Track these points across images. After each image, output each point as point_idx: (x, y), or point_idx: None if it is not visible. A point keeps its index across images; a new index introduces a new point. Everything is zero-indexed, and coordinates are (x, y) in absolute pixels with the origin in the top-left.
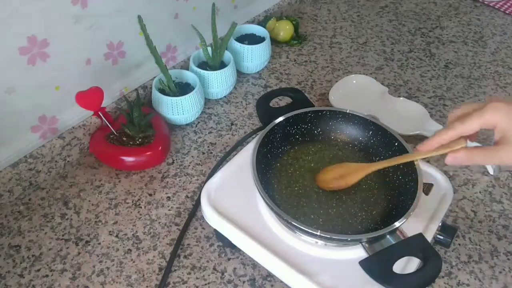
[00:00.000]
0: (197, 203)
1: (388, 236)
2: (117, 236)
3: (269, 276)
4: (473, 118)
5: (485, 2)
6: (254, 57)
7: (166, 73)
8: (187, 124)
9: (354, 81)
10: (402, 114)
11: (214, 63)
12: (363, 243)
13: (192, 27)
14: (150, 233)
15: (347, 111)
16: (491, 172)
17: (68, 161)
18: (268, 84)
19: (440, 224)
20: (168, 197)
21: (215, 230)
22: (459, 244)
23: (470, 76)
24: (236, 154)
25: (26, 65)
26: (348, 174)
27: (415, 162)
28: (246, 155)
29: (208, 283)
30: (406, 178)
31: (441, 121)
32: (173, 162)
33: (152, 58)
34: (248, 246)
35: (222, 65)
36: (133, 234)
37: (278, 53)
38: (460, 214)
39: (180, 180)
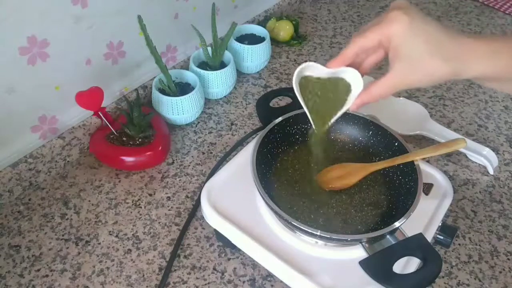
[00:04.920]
0: (197, 203)
1: (388, 236)
2: (117, 236)
3: (269, 276)
4: (371, 30)
5: (485, 2)
6: (254, 57)
7: (166, 73)
8: (187, 124)
9: None
10: (402, 114)
11: (214, 63)
12: (363, 243)
13: (192, 27)
14: (150, 233)
15: (347, 111)
16: (491, 172)
17: (68, 161)
18: (268, 84)
19: (440, 224)
20: (168, 197)
21: (215, 230)
22: (459, 244)
23: None
24: (236, 154)
25: (26, 65)
26: (348, 174)
27: (415, 162)
28: (246, 155)
29: (208, 283)
30: (406, 178)
31: (441, 121)
32: (173, 162)
33: (152, 58)
34: (248, 246)
35: (222, 65)
36: (133, 234)
37: (278, 53)
38: (460, 214)
39: (180, 180)
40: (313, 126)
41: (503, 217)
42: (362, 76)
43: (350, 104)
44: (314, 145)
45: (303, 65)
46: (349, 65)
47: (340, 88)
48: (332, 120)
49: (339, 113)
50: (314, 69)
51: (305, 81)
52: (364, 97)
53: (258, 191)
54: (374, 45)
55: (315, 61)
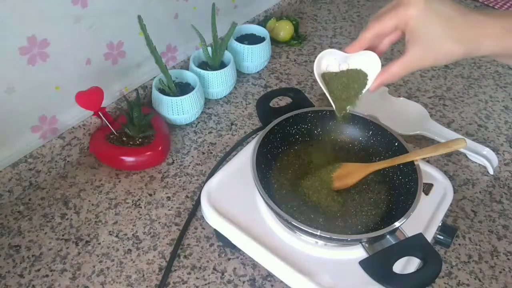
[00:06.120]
0: (197, 203)
1: (388, 236)
2: (117, 236)
3: (269, 276)
4: (388, 14)
5: (485, 2)
6: (254, 57)
7: (166, 73)
8: (187, 124)
9: None
10: (402, 114)
11: (214, 63)
12: (363, 243)
13: (192, 27)
14: (150, 233)
15: (347, 111)
16: (491, 172)
17: (68, 161)
18: (268, 84)
19: (440, 224)
20: (168, 197)
21: (215, 230)
22: (459, 244)
23: (470, 76)
24: (236, 154)
25: (26, 65)
26: (348, 174)
27: (415, 162)
28: (246, 155)
29: (208, 283)
30: (406, 178)
31: (441, 121)
32: (173, 162)
33: (152, 58)
34: (248, 246)
35: (222, 65)
36: (133, 234)
37: (278, 53)
38: (460, 214)
39: (180, 180)
40: (336, 111)
41: (503, 217)
42: (380, 57)
43: (369, 86)
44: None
45: (322, 53)
46: (366, 48)
47: (358, 77)
48: (354, 104)
49: (360, 96)
50: (333, 56)
51: (325, 77)
52: (383, 77)
53: (258, 191)
54: (391, 29)
55: (318, 58)
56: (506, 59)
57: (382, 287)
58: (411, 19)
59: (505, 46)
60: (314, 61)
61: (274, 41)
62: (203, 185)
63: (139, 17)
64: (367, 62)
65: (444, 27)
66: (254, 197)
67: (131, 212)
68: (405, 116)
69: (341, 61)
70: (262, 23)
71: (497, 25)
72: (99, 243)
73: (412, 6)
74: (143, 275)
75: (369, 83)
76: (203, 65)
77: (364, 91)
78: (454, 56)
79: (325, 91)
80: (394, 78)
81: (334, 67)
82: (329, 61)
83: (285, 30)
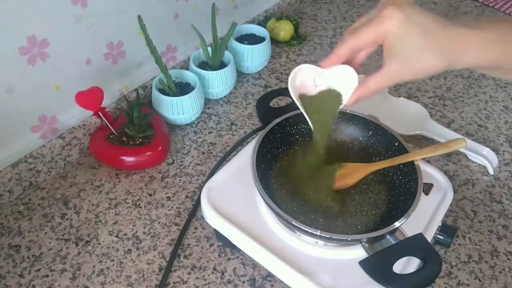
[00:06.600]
0: (197, 203)
1: (388, 236)
2: (117, 236)
3: (269, 276)
4: (366, 28)
5: (485, 2)
6: (254, 57)
7: (166, 73)
8: (187, 124)
9: None
10: (402, 114)
11: (214, 63)
12: (363, 243)
13: (192, 27)
14: (150, 233)
15: (347, 111)
16: (491, 172)
17: (68, 161)
18: (268, 84)
19: (440, 224)
20: (168, 197)
21: (215, 230)
22: (459, 244)
23: (470, 76)
24: (236, 154)
25: (26, 65)
26: (348, 174)
27: (415, 162)
28: (246, 155)
29: (208, 283)
30: (406, 178)
31: (441, 121)
32: (173, 162)
33: (152, 58)
34: (248, 246)
35: (222, 65)
36: (133, 234)
37: (278, 53)
38: (460, 214)
39: (180, 180)
40: (314, 130)
41: (503, 217)
42: (356, 70)
43: (345, 101)
44: (317, 146)
45: (296, 69)
46: (342, 63)
47: (333, 97)
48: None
49: (335, 117)
50: (307, 72)
51: (301, 99)
52: (360, 92)
53: (258, 191)
54: (368, 43)
55: (315, 61)
56: (488, 71)
57: (382, 287)
58: (389, 34)
59: (487, 58)
60: (314, 61)
61: (274, 41)
62: (203, 185)
63: (139, 17)
64: (343, 77)
65: (425, 40)
66: (254, 197)
67: (131, 212)
68: (405, 116)
69: (316, 75)
70: (262, 23)
71: (478, 37)
72: (99, 243)
73: (391, 20)
74: (143, 275)
75: (346, 98)
76: (203, 65)
77: (341, 107)
78: (436, 69)
79: (303, 112)
80: (371, 93)
81: (309, 83)
82: (304, 76)
83: (285, 30)
